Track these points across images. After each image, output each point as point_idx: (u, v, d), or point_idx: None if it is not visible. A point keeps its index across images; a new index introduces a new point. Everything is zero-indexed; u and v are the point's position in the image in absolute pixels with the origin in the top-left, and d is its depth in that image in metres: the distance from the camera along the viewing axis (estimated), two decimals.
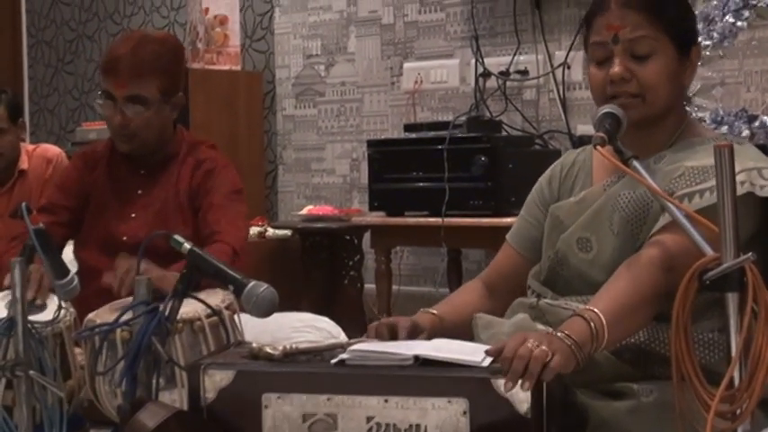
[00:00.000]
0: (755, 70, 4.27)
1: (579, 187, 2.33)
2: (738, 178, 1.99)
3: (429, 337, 2.19)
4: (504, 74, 4.93)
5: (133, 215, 3.08)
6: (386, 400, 1.82)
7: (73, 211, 3.13)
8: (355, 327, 4.65)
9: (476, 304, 2.38)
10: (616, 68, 2.15)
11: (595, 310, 1.91)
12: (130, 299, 2.20)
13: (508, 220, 4.08)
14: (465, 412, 1.77)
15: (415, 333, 2.18)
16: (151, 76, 2.98)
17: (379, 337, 2.15)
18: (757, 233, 2.08)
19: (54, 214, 3.07)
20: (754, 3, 3.35)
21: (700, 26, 3.49)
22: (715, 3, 3.31)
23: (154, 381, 2.08)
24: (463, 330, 2.28)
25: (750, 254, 1.72)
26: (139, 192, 3.10)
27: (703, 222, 1.84)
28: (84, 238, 3.14)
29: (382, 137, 5.25)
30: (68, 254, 3.13)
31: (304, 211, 5.33)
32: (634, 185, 2.13)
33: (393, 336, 2.16)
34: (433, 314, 2.31)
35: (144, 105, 2.99)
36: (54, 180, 3.62)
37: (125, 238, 3.04)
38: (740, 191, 1.98)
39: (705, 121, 3.14)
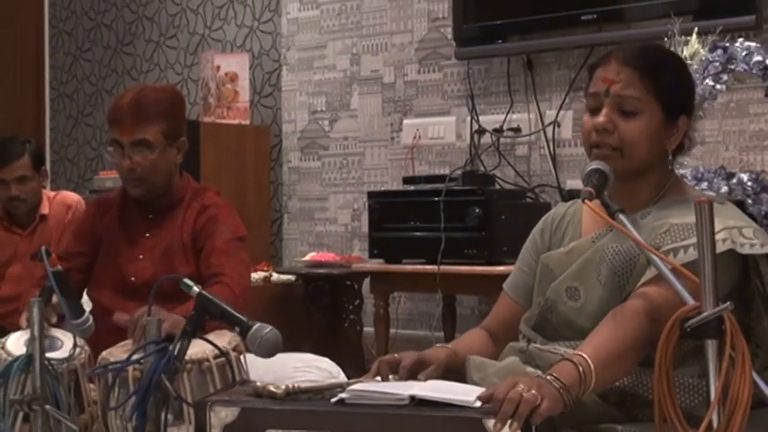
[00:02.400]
0: (733, 130, 4.29)
1: (569, 238, 2.33)
2: (720, 236, 2.00)
3: (443, 370, 2.17)
4: (498, 131, 4.95)
5: (141, 256, 3.09)
6: None
7: (88, 256, 3.16)
8: (354, 367, 4.64)
9: (485, 346, 2.36)
10: (601, 118, 2.16)
11: (584, 354, 1.91)
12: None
13: (500, 268, 4.09)
14: None
15: (419, 368, 2.16)
16: (154, 121, 3.01)
17: (381, 375, 2.14)
18: (736, 286, 2.09)
19: (69, 261, 3.07)
20: (732, 67, 3.37)
21: None
22: (696, 67, 3.33)
23: (162, 416, 2.07)
24: None
25: (728, 303, 1.72)
26: (147, 234, 3.12)
27: (686, 274, 1.84)
28: (96, 279, 3.15)
29: (382, 188, 5.26)
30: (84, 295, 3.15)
31: (307, 258, 5.33)
32: (621, 239, 2.13)
33: (394, 371, 2.14)
34: (448, 348, 2.30)
35: (149, 149, 3.01)
36: (71, 228, 3.64)
37: (133, 279, 3.06)
38: (722, 248, 1.99)
39: (687, 177, 3.15)
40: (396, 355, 2.19)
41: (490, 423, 1.74)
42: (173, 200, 3.13)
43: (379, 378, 2.13)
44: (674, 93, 2.18)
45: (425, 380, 2.09)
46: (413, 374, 2.13)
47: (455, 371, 2.22)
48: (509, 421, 1.73)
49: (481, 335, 2.43)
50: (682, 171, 3.09)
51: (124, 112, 3.01)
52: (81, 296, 3.13)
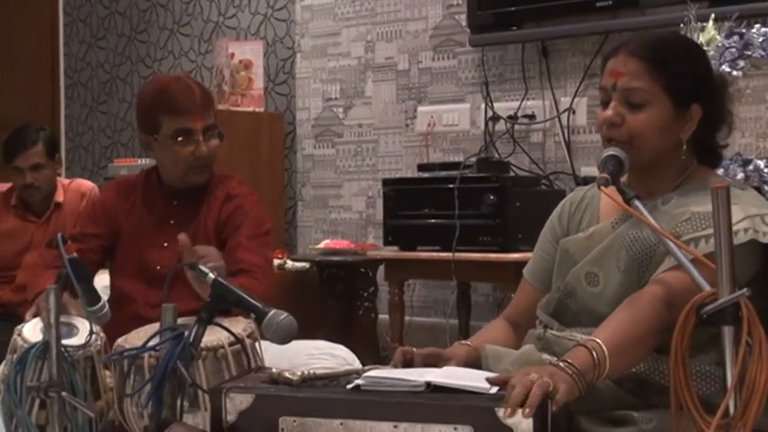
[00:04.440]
0: (750, 117, 4.26)
1: (586, 223, 2.33)
2: (742, 225, 1.99)
3: (465, 366, 2.17)
4: (513, 118, 4.94)
5: (166, 244, 3.04)
6: (395, 426, 1.80)
7: (103, 238, 3.11)
8: (369, 355, 4.66)
9: (506, 339, 2.37)
10: (609, 112, 2.16)
11: (598, 340, 1.90)
12: (158, 325, 2.20)
13: (515, 255, 4.08)
14: None
15: (437, 362, 2.17)
16: (213, 107, 3.06)
17: (399, 363, 2.15)
18: (757, 274, 2.07)
19: (83, 242, 3.06)
20: (749, 54, 3.35)
21: None
22: (712, 53, 3.31)
23: (178, 403, 2.08)
24: None
25: (745, 289, 1.72)
26: (172, 222, 3.08)
27: (705, 263, 1.84)
28: (118, 266, 3.12)
29: (397, 176, 5.26)
30: (99, 281, 3.14)
31: (322, 245, 5.33)
32: (641, 226, 2.12)
33: (409, 363, 2.15)
34: (468, 345, 2.30)
35: (215, 134, 3.04)
36: (86, 210, 3.62)
37: (159, 267, 3.02)
38: (744, 238, 1.98)
39: None
40: (415, 350, 2.19)
41: (503, 411, 1.73)
42: (198, 187, 3.10)
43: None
44: (682, 81, 2.15)
45: None
46: (429, 366, 2.14)
47: (476, 367, 2.23)
48: (521, 409, 1.72)
49: (502, 327, 2.43)
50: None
51: (197, 99, 2.99)
52: (93, 278, 3.13)
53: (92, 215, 3.20)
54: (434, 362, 2.18)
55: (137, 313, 2.84)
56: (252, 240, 2.98)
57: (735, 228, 1.98)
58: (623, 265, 2.15)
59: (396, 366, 2.14)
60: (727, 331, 1.73)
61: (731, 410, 1.70)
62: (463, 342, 2.33)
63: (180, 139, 2.98)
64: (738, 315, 1.71)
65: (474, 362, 2.22)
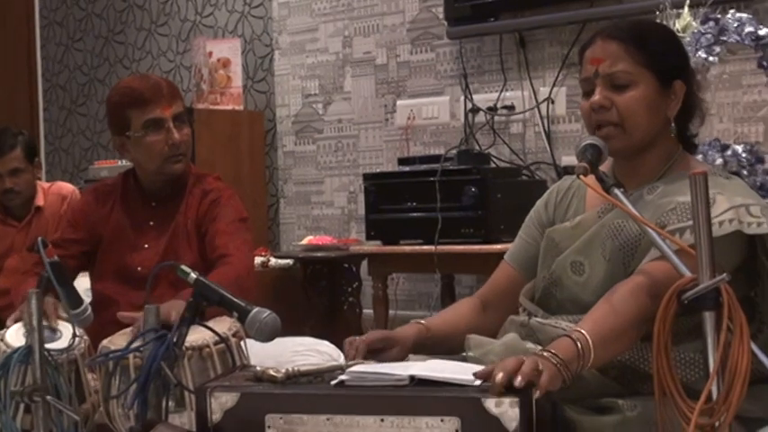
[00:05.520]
0: (727, 102, 4.28)
1: (572, 212, 2.33)
2: (727, 216, 2.00)
3: (409, 349, 2.22)
4: (492, 109, 4.94)
5: (146, 246, 3.08)
6: (382, 420, 1.80)
7: (83, 243, 3.14)
8: None
9: (468, 318, 2.38)
10: (596, 97, 2.16)
11: (582, 330, 1.90)
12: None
13: (498, 246, 4.08)
14: (457, 430, 1.76)
15: (385, 346, 2.20)
16: (180, 97, 3.08)
17: (347, 356, 2.16)
18: (743, 263, 2.08)
19: (64, 248, 3.07)
20: (725, 39, 3.36)
21: None
22: (688, 39, 3.32)
23: (164, 403, 2.07)
24: (451, 342, 2.30)
25: (725, 274, 1.72)
26: (151, 223, 3.11)
27: (687, 251, 1.84)
28: (99, 269, 3.14)
29: (377, 170, 5.25)
30: (81, 284, 3.13)
31: (304, 242, 5.32)
32: (626, 215, 2.12)
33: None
34: (420, 324, 2.31)
35: (185, 122, 3.06)
36: (66, 216, 3.63)
37: (139, 269, 3.05)
38: (728, 228, 1.98)
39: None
40: (358, 338, 2.21)
41: (489, 402, 1.74)
42: (176, 187, 3.12)
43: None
44: (663, 58, 2.17)
45: (391, 361, 2.11)
46: (376, 353, 2.17)
47: (428, 347, 2.25)
48: (515, 378, 1.72)
49: (469, 306, 2.44)
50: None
51: (162, 89, 3.03)
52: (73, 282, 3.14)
53: (71, 221, 3.22)
54: (383, 346, 2.20)
55: (118, 318, 2.84)
56: (229, 226, 3.02)
57: (720, 218, 1.99)
58: (609, 254, 2.15)
59: (350, 358, 2.15)
60: (708, 317, 1.73)
61: (714, 395, 1.71)
62: (416, 321, 2.34)
63: (151, 129, 3.02)
64: (719, 300, 1.72)
65: (423, 341, 2.26)
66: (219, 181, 3.19)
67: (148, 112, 3.01)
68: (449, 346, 2.29)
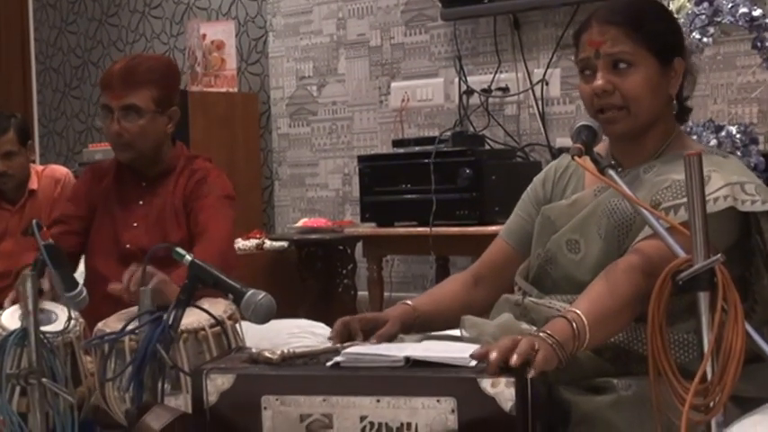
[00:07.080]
0: (721, 83, 4.28)
1: (570, 190, 2.33)
2: (722, 192, 2.00)
3: (398, 329, 2.21)
4: (486, 91, 4.94)
5: (135, 224, 3.13)
6: (378, 400, 1.81)
7: (85, 219, 3.19)
8: None
9: (457, 294, 2.39)
10: (599, 81, 2.15)
11: (577, 311, 1.90)
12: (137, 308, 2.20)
13: (493, 228, 4.08)
14: (453, 411, 1.77)
15: (375, 327, 2.20)
16: (144, 87, 3.03)
17: (336, 337, 2.17)
18: (737, 242, 2.08)
19: (67, 224, 3.15)
20: (719, 20, 3.36)
21: None
22: (682, 20, 3.32)
23: (159, 386, 2.07)
24: (439, 321, 2.30)
25: (719, 255, 1.72)
26: (141, 202, 3.16)
27: (680, 230, 1.84)
28: (91, 246, 3.18)
29: (372, 152, 5.25)
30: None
31: (299, 224, 5.33)
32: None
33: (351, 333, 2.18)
34: (407, 305, 2.32)
35: (138, 114, 3.04)
36: (66, 194, 3.66)
37: (128, 246, 3.09)
38: (723, 205, 1.98)
39: None
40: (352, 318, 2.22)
41: (485, 382, 1.74)
42: (166, 168, 3.17)
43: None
44: (661, 37, 2.16)
45: (379, 341, 2.12)
46: (367, 334, 2.17)
47: (416, 327, 2.26)
48: (504, 379, 1.73)
49: (459, 282, 2.44)
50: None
51: (114, 77, 3.05)
52: (79, 260, 3.18)
53: (72, 198, 3.28)
54: (372, 326, 2.20)
55: (110, 293, 2.84)
56: (215, 201, 3.06)
57: (714, 195, 1.99)
58: (604, 232, 2.15)
59: (338, 337, 2.16)
60: (703, 297, 1.73)
61: (709, 376, 1.71)
62: (402, 302, 2.34)
63: (103, 114, 3.10)
64: (713, 281, 1.71)
65: (409, 320, 2.26)
66: (208, 162, 3.24)
67: (103, 96, 3.10)
68: (437, 326, 2.30)
